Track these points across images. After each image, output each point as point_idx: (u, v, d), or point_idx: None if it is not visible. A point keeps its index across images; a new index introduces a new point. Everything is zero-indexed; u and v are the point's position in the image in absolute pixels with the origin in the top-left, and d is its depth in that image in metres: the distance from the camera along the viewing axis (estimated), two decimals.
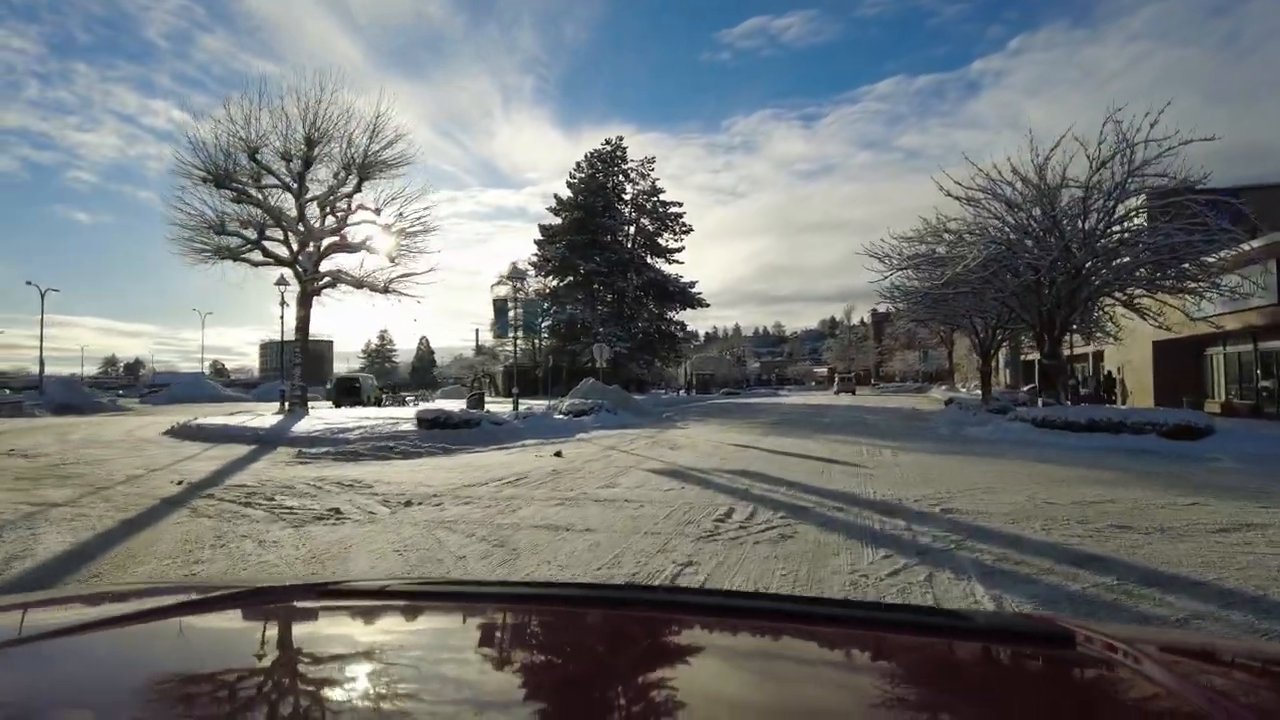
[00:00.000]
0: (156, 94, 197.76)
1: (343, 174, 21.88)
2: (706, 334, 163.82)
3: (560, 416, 20.86)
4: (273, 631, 1.09)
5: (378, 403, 35.70)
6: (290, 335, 22.20)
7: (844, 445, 13.70)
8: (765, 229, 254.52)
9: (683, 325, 54.77)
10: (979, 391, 34.59)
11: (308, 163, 21.18)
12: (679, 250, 55.80)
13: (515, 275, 53.51)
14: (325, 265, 22.27)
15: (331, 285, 22.00)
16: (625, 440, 15.34)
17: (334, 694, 0.81)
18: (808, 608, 1.19)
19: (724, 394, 62.44)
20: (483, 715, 0.74)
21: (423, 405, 28.50)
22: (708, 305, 54.85)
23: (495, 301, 22.47)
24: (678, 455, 12.04)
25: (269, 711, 0.76)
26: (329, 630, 1.11)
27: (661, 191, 54.52)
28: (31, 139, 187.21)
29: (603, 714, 0.77)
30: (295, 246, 21.49)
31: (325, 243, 22.00)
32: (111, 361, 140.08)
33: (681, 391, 58.60)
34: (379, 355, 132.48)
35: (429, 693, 0.81)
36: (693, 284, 53.50)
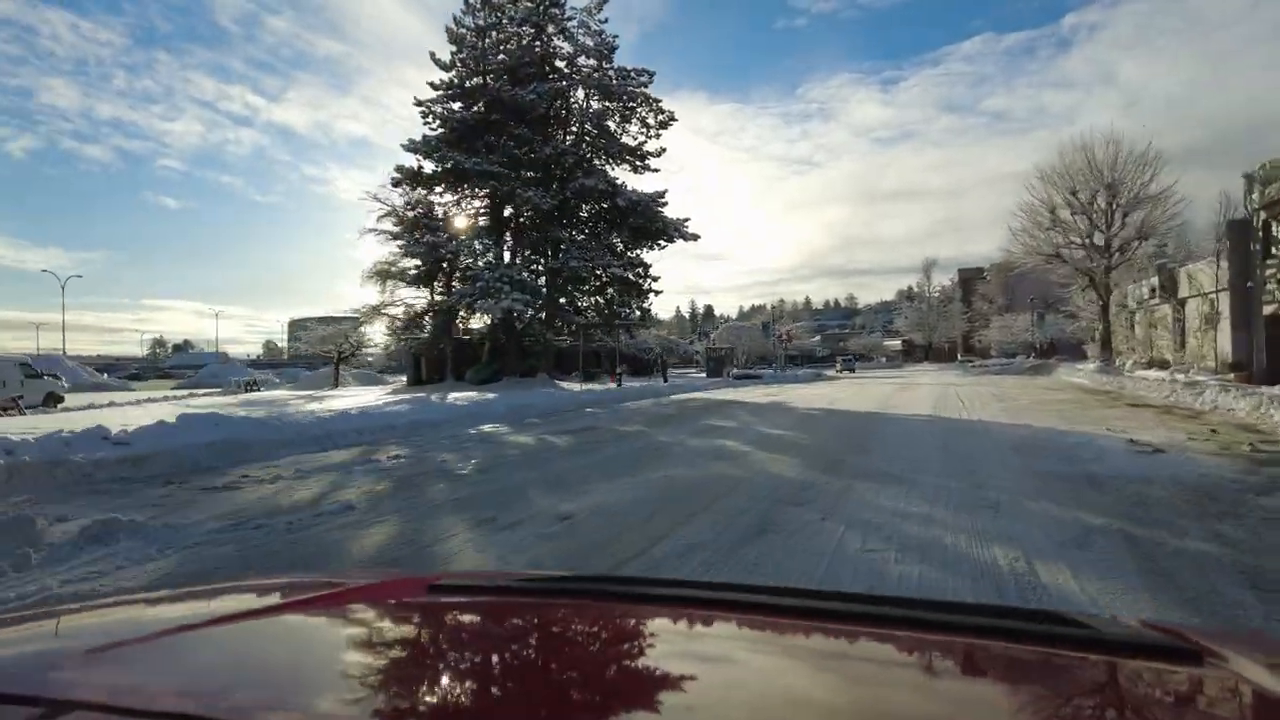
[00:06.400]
0: (232, 79, 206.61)
1: None
2: (773, 306, 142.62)
3: None
4: (373, 629, 1.10)
5: None
6: None
7: None
8: (842, 199, 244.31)
9: (645, 268, 33.76)
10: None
11: None
12: (654, 154, 34.92)
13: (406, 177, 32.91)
14: None
15: None
16: None
17: (435, 691, 0.82)
18: (896, 610, 1.04)
19: (735, 377, 41.54)
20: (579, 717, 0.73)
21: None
22: (696, 237, 33.91)
23: None
24: None
25: (370, 706, 0.76)
26: (430, 629, 1.11)
27: (615, 49, 33.55)
28: (123, 128, 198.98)
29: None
30: None
31: None
32: (160, 343, 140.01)
33: (654, 378, 38.00)
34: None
35: (524, 693, 0.82)
36: (661, 196, 32.51)
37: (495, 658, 0.94)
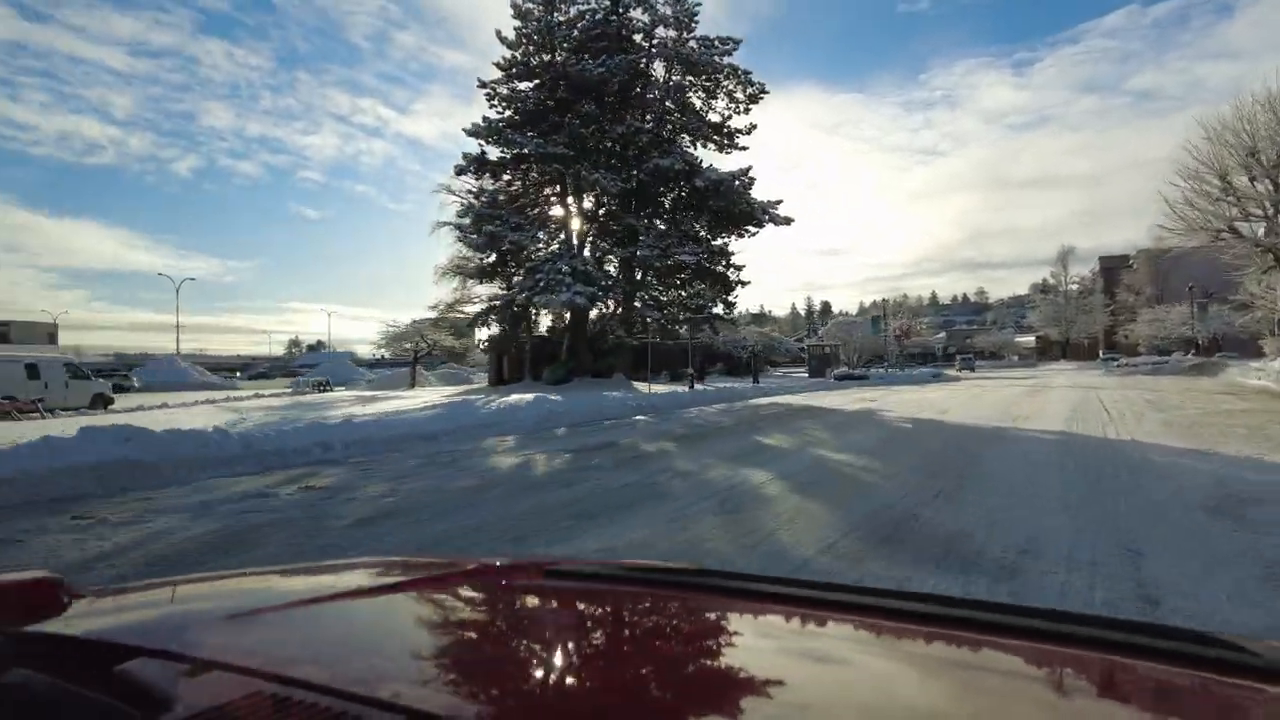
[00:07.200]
0: (363, 93, 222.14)
1: None
2: (886, 301, 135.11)
3: None
4: (489, 609, 1.13)
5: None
6: None
7: None
8: (971, 187, 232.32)
9: (728, 257, 30.50)
10: None
11: None
12: (743, 131, 31.73)
13: (472, 165, 31.01)
14: None
15: None
16: None
17: (559, 669, 0.83)
18: (1023, 620, 0.94)
19: (836, 377, 37.62)
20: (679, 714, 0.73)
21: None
22: (788, 221, 30.43)
23: None
24: None
25: (475, 688, 0.77)
26: (545, 611, 1.13)
27: (696, 16, 30.50)
28: (269, 144, 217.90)
29: None
30: None
31: None
32: (295, 343, 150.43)
33: (744, 379, 34.69)
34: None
35: (642, 677, 0.81)
36: (745, 174, 29.22)
37: (615, 641, 0.97)
